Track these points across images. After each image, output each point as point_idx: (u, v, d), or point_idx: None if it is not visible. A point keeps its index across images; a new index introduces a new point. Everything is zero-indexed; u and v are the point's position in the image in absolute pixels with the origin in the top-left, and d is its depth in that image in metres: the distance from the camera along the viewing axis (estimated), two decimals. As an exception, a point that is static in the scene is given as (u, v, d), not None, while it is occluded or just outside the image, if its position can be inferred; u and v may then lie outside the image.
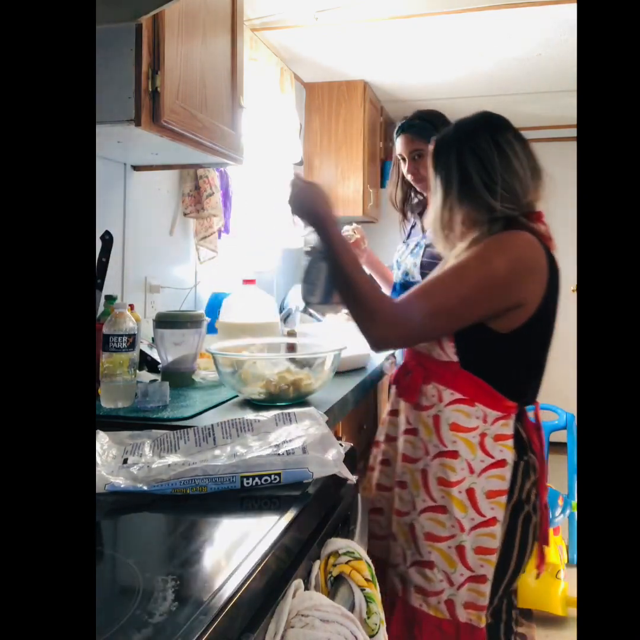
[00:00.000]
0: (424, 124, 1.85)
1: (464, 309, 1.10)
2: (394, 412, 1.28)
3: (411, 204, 2.02)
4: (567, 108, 3.76)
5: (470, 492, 1.13)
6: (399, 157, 1.93)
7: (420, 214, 1.99)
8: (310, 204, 1.23)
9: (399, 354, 1.82)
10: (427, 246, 1.86)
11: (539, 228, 1.15)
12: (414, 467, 1.20)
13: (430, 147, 1.26)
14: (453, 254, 1.19)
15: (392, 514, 1.23)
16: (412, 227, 2.01)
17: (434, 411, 1.17)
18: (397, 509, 1.22)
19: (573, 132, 4.06)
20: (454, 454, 1.14)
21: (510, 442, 1.14)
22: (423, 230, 1.94)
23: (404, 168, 1.91)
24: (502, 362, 1.15)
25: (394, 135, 1.93)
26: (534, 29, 2.60)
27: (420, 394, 1.19)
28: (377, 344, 1.17)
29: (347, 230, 1.80)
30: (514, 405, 1.16)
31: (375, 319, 1.13)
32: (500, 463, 1.13)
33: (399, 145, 1.91)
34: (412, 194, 2.01)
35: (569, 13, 2.43)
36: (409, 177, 1.92)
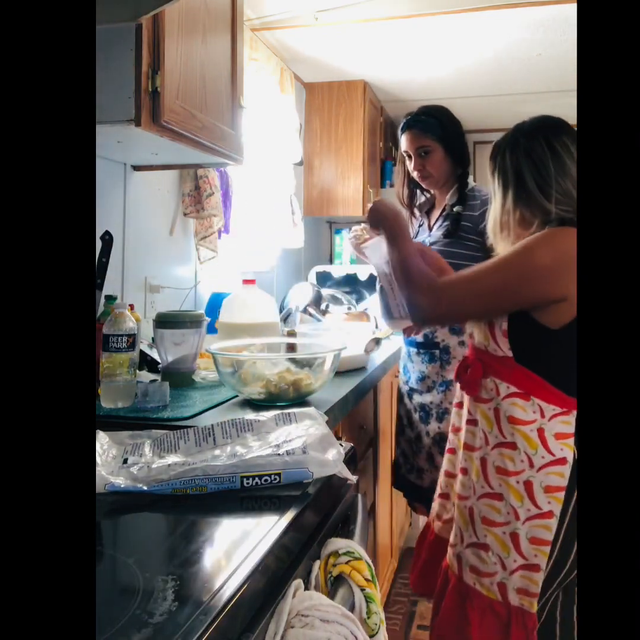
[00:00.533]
0: (429, 119, 1.81)
1: (504, 294, 1.17)
2: (460, 405, 1.36)
3: (419, 203, 1.98)
4: (567, 108, 3.76)
5: (528, 484, 1.17)
6: (405, 155, 1.89)
7: (428, 213, 1.96)
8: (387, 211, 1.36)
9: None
10: (431, 244, 1.84)
11: None
12: (474, 455, 1.26)
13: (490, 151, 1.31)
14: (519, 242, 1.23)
15: (455, 498, 1.31)
16: (420, 226, 1.98)
17: (493, 404, 1.23)
18: (458, 493, 1.29)
19: (573, 132, 4.06)
20: (513, 446, 1.19)
21: (571, 441, 1.17)
22: (430, 229, 1.91)
23: (410, 165, 1.88)
24: (555, 358, 1.18)
25: (399, 131, 1.89)
26: (534, 29, 2.60)
27: (480, 388, 1.25)
28: (419, 316, 1.27)
29: (355, 230, 1.76)
30: (573, 402, 1.18)
31: (421, 292, 1.22)
32: (561, 461, 1.16)
33: (404, 142, 1.87)
34: (418, 193, 1.98)
35: (569, 13, 2.43)
36: (414, 175, 1.88)
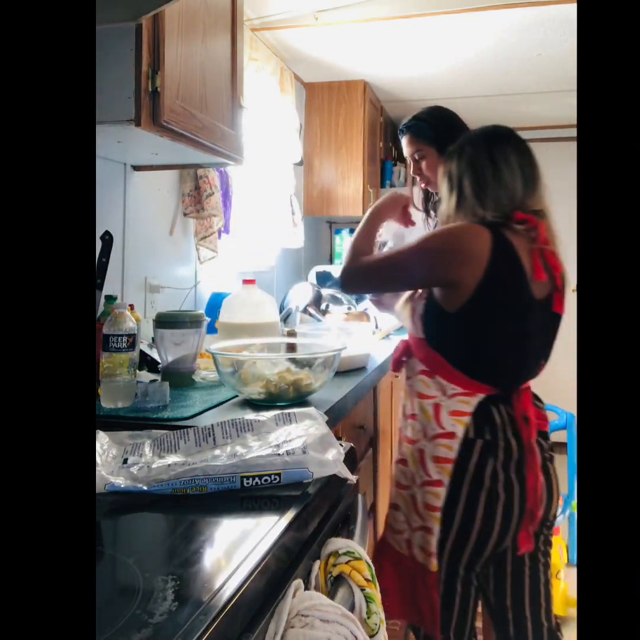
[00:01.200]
0: (420, 123, 1.84)
1: (400, 270, 1.32)
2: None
3: (433, 202, 1.97)
4: (567, 108, 3.76)
5: (421, 453, 1.30)
6: (407, 159, 1.93)
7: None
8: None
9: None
10: None
11: (517, 231, 1.27)
12: (399, 427, 1.41)
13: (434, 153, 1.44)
14: None
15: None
16: (435, 224, 1.96)
17: (411, 381, 1.37)
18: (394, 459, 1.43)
19: (573, 132, 4.06)
20: (414, 417, 1.33)
21: (465, 419, 1.25)
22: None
23: (411, 170, 1.90)
24: (454, 340, 1.29)
25: (400, 137, 1.93)
26: (534, 29, 2.60)
27: (403, 365, 1.41)
28: (345, 287, 1.46)
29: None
30: (483, 387, 1.27)
31: (347, 263, 1.41)
32: (450, 434, 1.26)
33: (403, 147, 1.91)
34: (431, 193, 1.97)
35: (569, 13, 2.43)
36: (416, 179, 1.90)
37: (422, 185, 1.90)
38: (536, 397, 1.38)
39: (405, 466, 1.34)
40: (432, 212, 1.99)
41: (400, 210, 1.60)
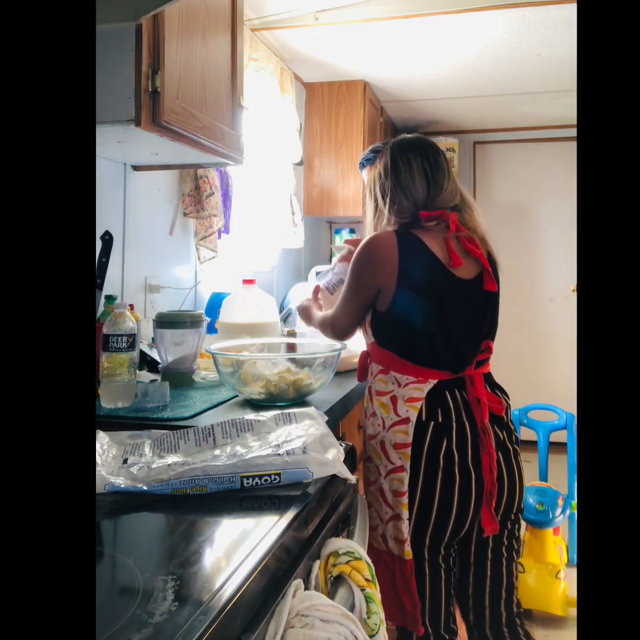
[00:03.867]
0: (377, 155, 2.02)
1: (350, 303, 1.42)
2: None
3: None
4: (567, 108, 3.76)
5: (382, 443, 1.35)
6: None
7: None
8: (305, 313, 1.68)
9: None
10: None
11: (428, 228, 1.38)
12: (362, 430, 1.46)
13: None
14: None
15: None
16: None
17: (368, 383, 1.44)
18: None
19: (573, 132, 4.06)
20: (374, 414, 1.39)
21: (417, 404, 1.32)
22: None
23: None
24: (394, 335, 1.37)
25: (360, 172, 2.14)
26: (534, 29, 2.60)
27: (364, 372, 1.47)
28: (340, 339, 1.54)
29: (342, 249, 1.97)
30: (427, 371, 1.33)
31: (329, 329, 1.53)
32: (404, 421, 1.32)
33: (364, 179, 2.10)
34: None
35: (569, 13, 2.43)
36: None
37: None
38: (496, 386, 1.43)
39: (370, 462, 1.39)
40: None
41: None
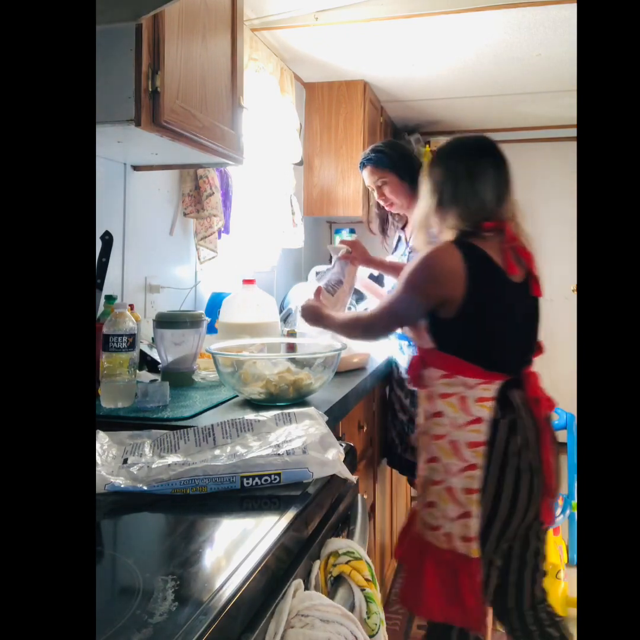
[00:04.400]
0: (377, 155, 2.12)
1: (400, 310, 1.48)
2: None
3: (394, 222, 2.27)
4: (567, 108, 3.76)
5: (453, 443, 1.38)
6: (369, 189, 2.21)
7: (403, 228, 2.23)
8: (314, 314, 1.70)
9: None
10: (410, 253, 2.10)
11: (486, 237, 1.43)
12: (419, 431, 1.50)
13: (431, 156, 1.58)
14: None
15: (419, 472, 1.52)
16: (398, 240, 2.26)
17: (429, 388, 1.47)
18: (419, 466, 1.49)
19: (573, 132, 4.06)
20: (440, 414, 1.42)
21: (489, 403, 1.37)
22: (407, 241, 2.16)
23: (375, 196, 2.18)
24: (461, 340, 1.43)
25: (360, 171, 2.20)
26: (534, 29, 2.60)
27: (421, 378, 1.49)
28: (369, 340, 1.63)
29: (339, 249, 2.02)
30: (494, 374, 1.40)
31: (358, 331, 1.59)
32: (477, 420, 1.37)
33: (365, 178, 2.18)
34: (390, 217, 2.27)
35: (569, 13, 2.43)
36: (381, 203, 2.17)
37: (388, 207, 2.17)
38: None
39: (437, 462, 1.41)
40: (392, 230, 2.29)
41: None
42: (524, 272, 1.45)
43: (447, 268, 1.39)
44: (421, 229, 1.53)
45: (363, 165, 2.17)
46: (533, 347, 1.50)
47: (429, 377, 1.47)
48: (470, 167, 1.45)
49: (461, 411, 1.39)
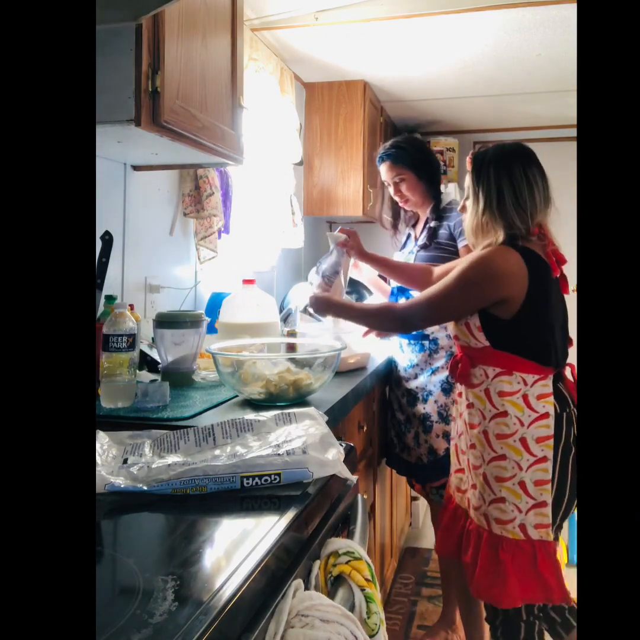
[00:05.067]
0: (397, 151, 2.11)
1: (449, 305, 1.53)
2: (460, 394, 1.64)
3: (405, 219, 2.27)
4: (567, 108, 3.76)
5: (522, 440, 1.46)
6: (385, 184, 2.21)
7: (414, 226, 2.23)
8: (327, 303, 1.76)
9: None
10: (417, 251, 2.11)
11: (533, 240, 1.51)
12: (476, 431, 1.54)
13: (467, 162, 1.60)
14: (463, 260, 1.60)
15: (470, 470, 1.58)
16: (407, 237, 2.25)
17: (483, 386, 1.52)
18: (472, 464, 1.56)
19: (573, 132, 4.06)
20: (505, 414, 1.48)
21: (550, 399, 1.47)
22: (416, 239, 2.17)
23: (391, 191, 2.17)
24: (518, 339, 1.49)
25: (377, 164, 2.19)
26: (534, 29, 2.60)
27: (470, 376, 1.55)
28: (401, 332, 1.75)
29: (338, 237, 2.01)
30: (549, 369, 1.49)
31: (387, 321, 1.66)
32: (544, 416, 1.46)
33: (382, 173, 2.18)
34: (402, 213, 2.27)
35: (569, 13, 2.43)
36: (396, 199, 2.17)
37: (402, 204, 2.17)
38: None
39: (505, 460, 1.48)
40: (402, 227, 2.29)
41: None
42: (559, 272, 1.54)
43: (510, 269, 1.46)
44: (478, 233, 1.57)
45: (382, 159, 2.15)
46: (570, 340, 1.59)
47: (481, 375, 1.52)
48: (526, 173, 1.52)
49: (526, 409, 1.47)
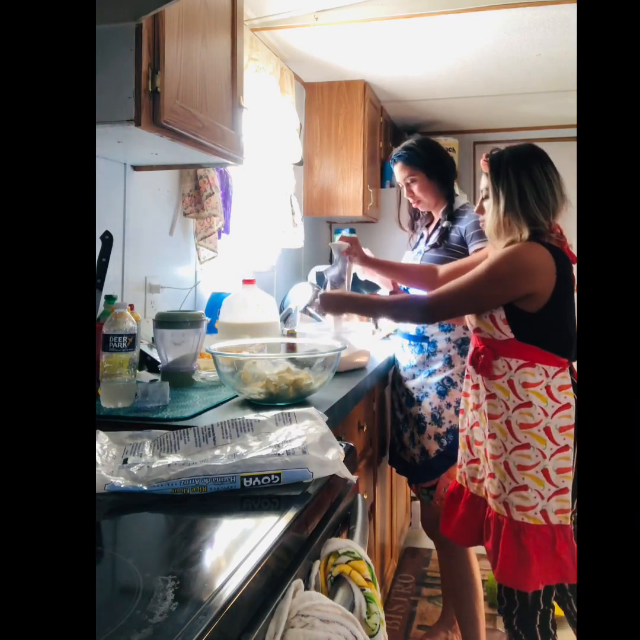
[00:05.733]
0: (408, 152, 2.14)
1: (477, 296, 1.57)
2: (476, 386, 1.66)
3: (421, 219, 2.28)
4: (567, 108, 3.76)
5: (546, 430, 1.51)
6: (399, 185, 2.23)
7: (428, 226, 2.24)
8: (339, 300, 1.79)
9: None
10: (426, 251, 2.13)
11: (553, 237, 1.56)
12: (498, 421, 1.57)
13: (482, 164, 1.65)
14: (491, 254, 1.62)
15: (487, 460, 1.61)
16: (421, 237, 2.26)
17: (506, 377, 1.56)
18: (491, 454, 1.59)
19: (573, 132, 4.06)
20: (529, 404, 1.53)
21: (570, 390, 1.53)
22: (428, 239, 2.18)
23: (404, 193, 2.20)
24: (543, 331, 1.54)
25: (391, 166, 2.23)
26: (534, 29, 2.60)
27: (492, 368, 1.58)
28: (423, 323, 1.79)
29: (342, 246, 2.02)
30: (566, 361, 1.55)
31: (416, 312, 1.67)
32: (566, 406, 1.52)
33: (395, 174, 2.21)
34: (420, 213, 2.28)
35: (569, 13, 2.43)
36: (409, 200, 2.20)
37: (415, 204, 2.20)
38: None
39: (528, 449, 1.52)
40: (418, 228, 2.31)
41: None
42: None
43: (539, 263, 1.50)
44: (500, 232, 1.60)
45: (394, 161, 2.19)
46: None
47: (504, 367, 1.56)
48: (545, 170, 1.57)
49: (550, 399, 1.52)
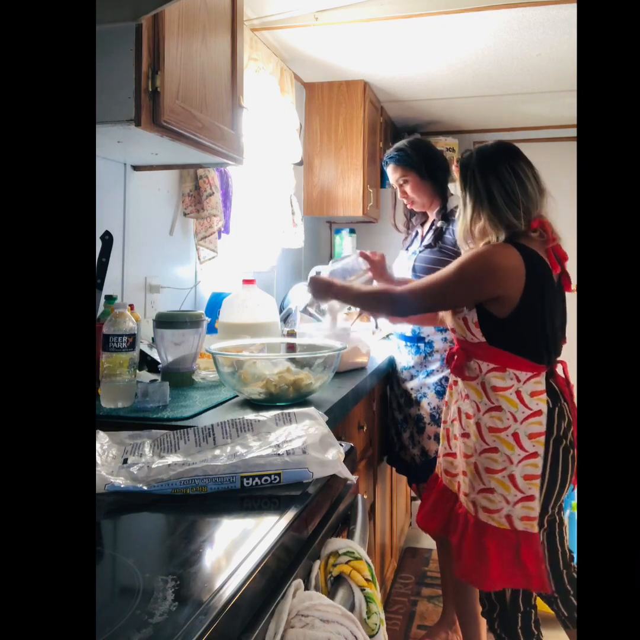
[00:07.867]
0: (399, 153, 2.15)
1: (445, 294, 1.54)
2: (455, 383, 1.66)
3: (416, 217, 2.28)
4: (567, 108, 3.75)
5: (515, 435, 1.49)
6: (393, 186, 2.24)
7: (423, 225, 2.24)
8: (323, 285, 1.77)
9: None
10: (420, 252, 2.11)
11: (534, 237, 1.51)
12: (471, 422, 1.57)
13: (454, 169, 1.65)
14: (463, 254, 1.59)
15: (462, 457, 1.61)
16: (415, 236, 2.26)
17: (479, 380, 1.55)
18: (464, 452, 1.59)
19: (573, 132, 4.06)
20: (499, 408, 1.51)
21: (543, 396, 1.50)
22: (422, 238, 2.17)
23: (398, 194, 2.21)
24: (513, 336, 1.51)
25: (384, 167, 2.23)
26: (534, 29, 2.60)
27: (465, 369, 1.57)
28: (394, 317, 1.74)
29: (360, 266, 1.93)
30: (542, 367, 1.51)
31: (388, 304, 1.62)
32: (537, 413, 1.49)
33: (389, 175, 2.21)
34: (413, 214, 2.29)
35: (569, 13, 2.43)
36: (403, 201, 2.20)
37: (409, 205, 2.19)
38: None
39: (496, 453, 1.51)
40: (412, 226, 2.30)
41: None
42: (560, 269, 1.54)
43: (509, 266, 1.46)
44: (468, 239, 1.58)
45: (386, 162, 2.19)
46: (564, 339, 1.60)
47: (476, 369, 1.55)
48: (514, 168, 1.52)
49: (520, 405, 1.49)
